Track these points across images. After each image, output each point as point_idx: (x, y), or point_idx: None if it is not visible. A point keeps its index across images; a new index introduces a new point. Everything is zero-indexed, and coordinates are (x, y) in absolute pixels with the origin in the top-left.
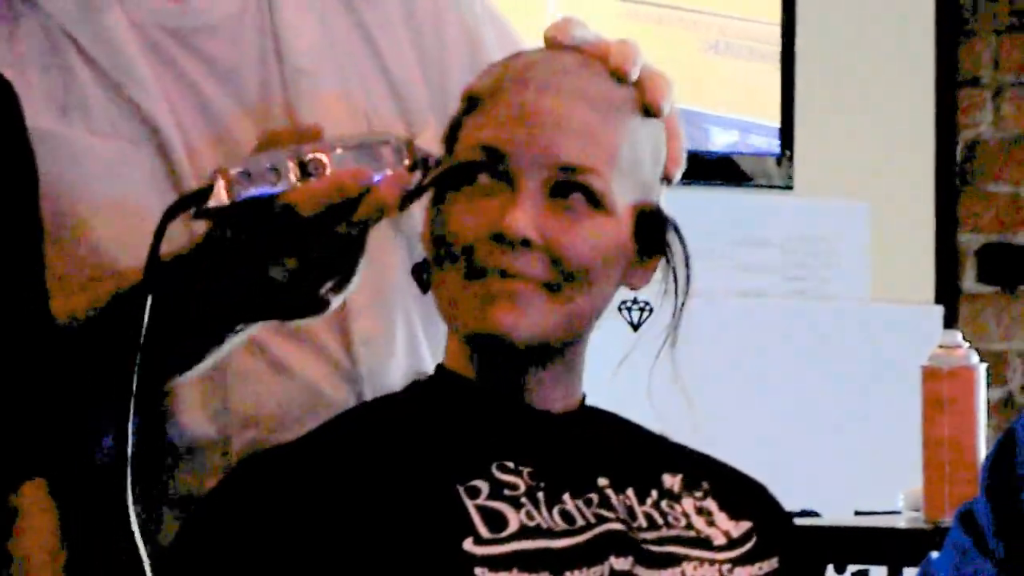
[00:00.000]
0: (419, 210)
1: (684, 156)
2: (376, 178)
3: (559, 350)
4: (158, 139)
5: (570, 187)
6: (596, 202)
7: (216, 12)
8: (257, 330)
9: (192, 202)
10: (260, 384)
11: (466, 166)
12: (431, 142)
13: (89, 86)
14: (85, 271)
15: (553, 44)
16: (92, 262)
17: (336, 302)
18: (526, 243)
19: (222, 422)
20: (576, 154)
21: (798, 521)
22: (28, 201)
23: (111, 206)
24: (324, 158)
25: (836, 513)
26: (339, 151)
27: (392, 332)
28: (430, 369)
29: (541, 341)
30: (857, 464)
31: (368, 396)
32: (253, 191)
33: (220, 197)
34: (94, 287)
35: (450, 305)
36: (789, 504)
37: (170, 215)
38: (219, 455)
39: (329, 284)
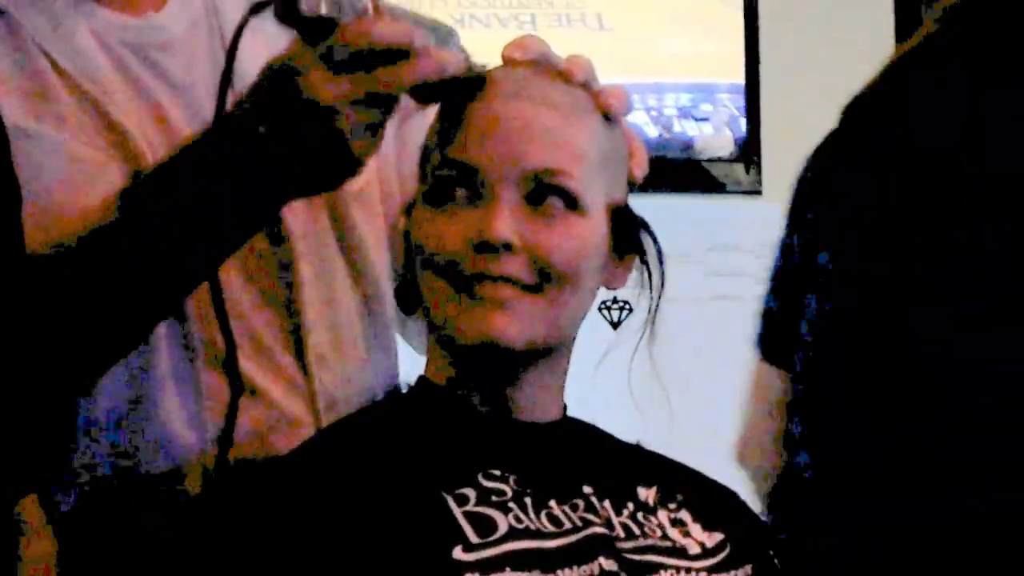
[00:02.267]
0: (369, 235)
1: (646, 160)
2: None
3: (545, 357)
4: (129, 150)
5: (545, 191)
6: (572, 203)
7: (172, 28)
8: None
9: (278, 2)
10: (227, 402)
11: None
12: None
13: (63, 96)
14: None
15: (511, 62)
16: None
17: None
18: (508, 247)
19: (201, 440)
20: (546, 158)
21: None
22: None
23: (90, 213)
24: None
25: None
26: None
27: (343, 348)
28: (378, 382)
29: (531, 344)
30: None
31: (322, 409)
32: (338, 9)
33: (310, 5)
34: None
35: (441, 319)
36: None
37: (255, 10)
38: (200, 472)
39: (363, 142)
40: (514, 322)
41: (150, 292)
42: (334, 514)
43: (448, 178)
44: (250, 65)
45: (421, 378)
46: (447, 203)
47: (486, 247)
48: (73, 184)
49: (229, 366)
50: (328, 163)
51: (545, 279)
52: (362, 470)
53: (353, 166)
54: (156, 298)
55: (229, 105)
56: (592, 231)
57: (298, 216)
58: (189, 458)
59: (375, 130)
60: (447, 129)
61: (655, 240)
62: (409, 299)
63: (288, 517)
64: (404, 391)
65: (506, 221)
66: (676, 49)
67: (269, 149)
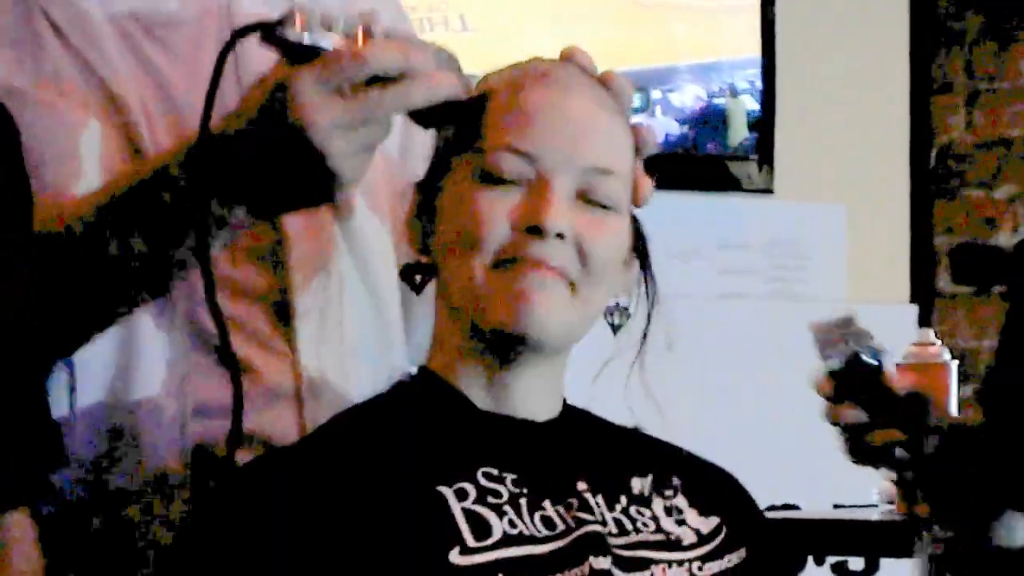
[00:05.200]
0: (368, 226)
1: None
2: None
3: (554, 354)
4: (125, 118)
5: (595, 187)
6: (614, 203)
7: (180, 4)
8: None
9: (264, 28)
10: (218, 380)
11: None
12: None
13: (61, 60)
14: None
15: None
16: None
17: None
18: (559, 236)
19: (180, 411)
20: (602, 156)
21: (779, 514)
22: (22, 221)
23: (86, 176)
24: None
25: (815, 506)
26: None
27: (334, 333)
28: (377, 369)
29: (560, 333)
30: (835, 459)
31: (306, 396)
32: (327, 38)
33: (297, 31)
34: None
35: (473, 296)
36: (770, 498)
37: (240, 34)
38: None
39: (354, 162)
40: (550, 306)
41: (119, 291)
42: (332, 508)
43: (505, 162)
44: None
45: (423, 368)
46: (497, 184)
47: (538, 232)
48: (74, 149)
49: (224, 353)
50: (313, 186)
51: (584, 272)
52: (361, 464)
53: (338, 187)
54: (122, 295)
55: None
56: (626, 232)
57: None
58: (168, 444)
59: (368, 148)
60: (500, 113)
61: (647, 247)
62: (420, 279)
63: (291, 511)
64: (407, 380)
65: (561, 210)
66: (538, 45)
67: (251, 172)
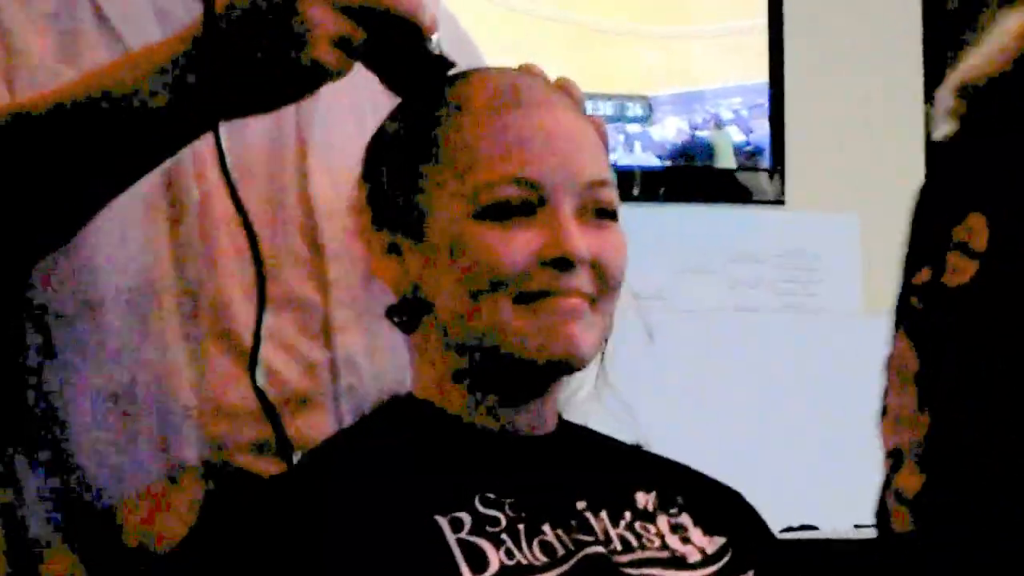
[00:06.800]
0: None
1: None
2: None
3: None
4: None
5: (597, 200)
6: (613, 212)
7: None
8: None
9: None
10: (239, 384)
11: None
12: None
13: (99, 50)
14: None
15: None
16: (88, 276)
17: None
18: (581, 261)
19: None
20: (596, 169)
21: (797, 535)
22: None
23: None
24: None
25: (834, 527)
26: None
27: (377, 348)
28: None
29: (592, 358)
30: (854, 475)
31: (346, 411)
32: None
33: None
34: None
35: (498, 334)
36: (786, 518)
37: None
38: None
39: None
40: (587, 334)
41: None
42: (323, 542)
43: (511, 192)
44: None
45: (409, 396)
46: (503, 216)
47: (564, 263)
48: None
49: (251, 363)
50: (287, 70)
51: (603, 290)
52: (353, 494)
53: (316, 77)
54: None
55: None
56: (625, 239)
57: (333, 218)
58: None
59: (348, 50)
60: (487, 139)
61: None
62: (413, 317)
63: (282, 540)
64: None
65: (578, 235)
66: None
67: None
